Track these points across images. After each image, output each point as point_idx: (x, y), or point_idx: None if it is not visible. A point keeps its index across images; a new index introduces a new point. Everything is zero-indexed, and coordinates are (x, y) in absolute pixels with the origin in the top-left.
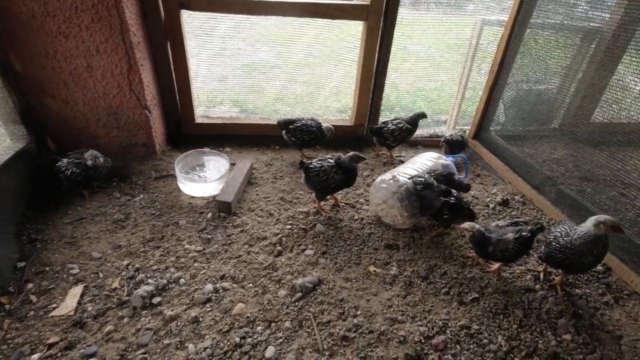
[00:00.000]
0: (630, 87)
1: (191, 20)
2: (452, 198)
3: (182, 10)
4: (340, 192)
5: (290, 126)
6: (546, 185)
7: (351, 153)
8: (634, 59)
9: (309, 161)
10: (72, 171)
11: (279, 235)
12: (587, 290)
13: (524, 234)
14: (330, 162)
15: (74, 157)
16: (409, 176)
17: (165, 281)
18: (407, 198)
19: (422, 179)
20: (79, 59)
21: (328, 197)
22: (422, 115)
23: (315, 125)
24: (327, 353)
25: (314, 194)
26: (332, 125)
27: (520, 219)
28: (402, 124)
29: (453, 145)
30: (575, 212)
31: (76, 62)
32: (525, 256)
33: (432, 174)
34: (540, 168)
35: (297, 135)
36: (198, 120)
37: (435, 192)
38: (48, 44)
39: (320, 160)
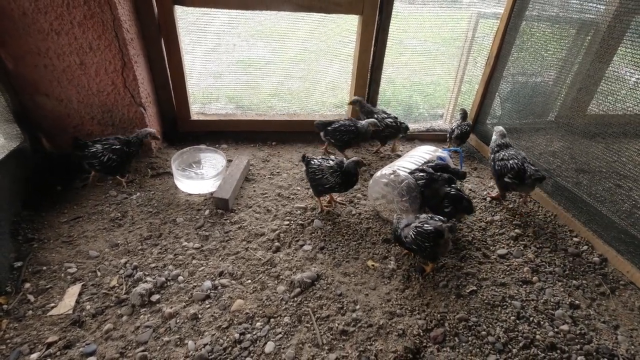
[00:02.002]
0: (625, 79)
1: (185, 16)
2: (453, 190)
3: (176, 6)
4: None
5: (329, 127)
6: None
7: (355, 158)
8: (629, 50)
9: (312, 156)
10: (108, 157)
11: (277, 231)
12: (584, 281)
13: (426, 226)
14: (329, 164)
15: (109, 144)
16: (408, 170)
17: (163, 279)
18: (407, 193)
19: (424, 174)
20: (71, 56)
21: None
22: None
23: (354, 125)
24: (326, 347)
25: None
26: (328, 120)
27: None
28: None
29: (463, 138)
30: (571, 204)
31: (69, 60)
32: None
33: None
34: (537, 160)
35: (337, 136)
36: (194, 117)
37: (440, 181)
38: (40, 41)
39: (322, 158)
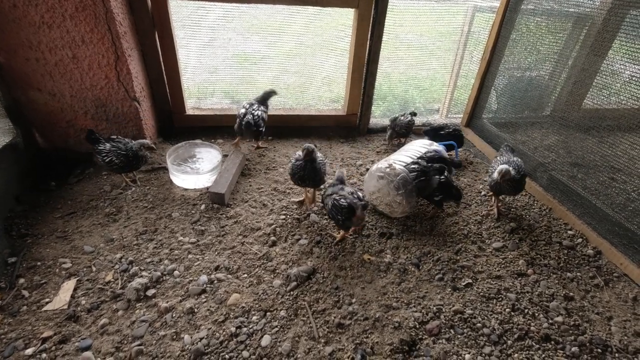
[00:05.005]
0: (620, 72)
1: (179, 10)
2: (442, 177)
3: None
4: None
5: (442, 132)
6: (538, 171)
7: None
8: (624, 43)
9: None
10: (110, 159)
11: (273, 226)
12: (578, 274)
13: (342, 201)
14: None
15: (117, 147)
16: (404, 164)
17: (159, 273)
18: (403, 186)
19: (417, 166)
20: (64, 49)
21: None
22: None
23: (458, 127)
24: (322, 340)
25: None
26: (324, 114)
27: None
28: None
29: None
30: (566, 198)
31: (61, 53)
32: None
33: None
34: (532, 155)
35: (450, 139)
36: (189, 111)
37: (431, 172)
38: (31, 34)
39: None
